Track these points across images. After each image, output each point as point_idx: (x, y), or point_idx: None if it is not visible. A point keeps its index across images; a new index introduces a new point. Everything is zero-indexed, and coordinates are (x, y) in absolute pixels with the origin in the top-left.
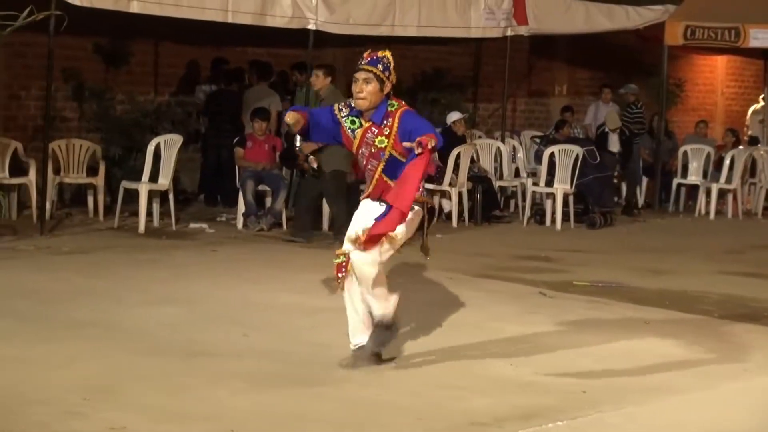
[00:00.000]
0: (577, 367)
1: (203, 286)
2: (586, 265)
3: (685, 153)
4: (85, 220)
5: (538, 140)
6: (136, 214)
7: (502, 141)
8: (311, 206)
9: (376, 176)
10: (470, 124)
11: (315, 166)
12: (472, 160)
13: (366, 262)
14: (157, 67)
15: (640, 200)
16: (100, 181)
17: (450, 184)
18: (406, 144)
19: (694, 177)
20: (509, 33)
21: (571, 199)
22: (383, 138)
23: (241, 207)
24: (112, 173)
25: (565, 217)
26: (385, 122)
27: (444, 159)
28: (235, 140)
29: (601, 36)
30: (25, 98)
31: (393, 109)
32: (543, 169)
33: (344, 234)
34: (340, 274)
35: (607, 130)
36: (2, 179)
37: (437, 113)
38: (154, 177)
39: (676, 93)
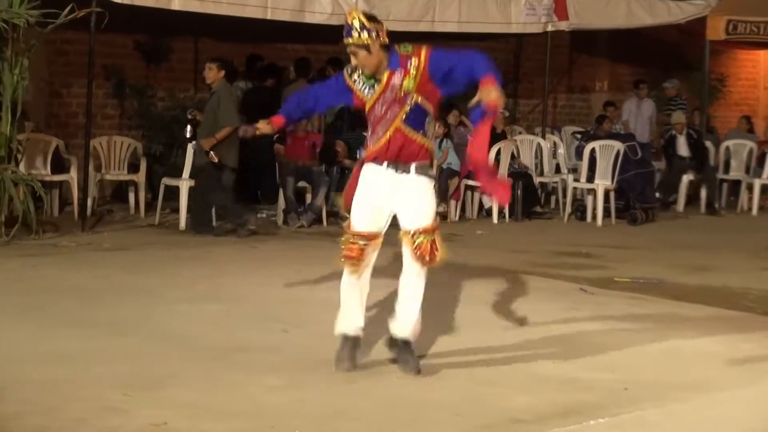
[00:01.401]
0: (619, 364)
1: (243, 283)
2: (628, 261)
3: (727, 148)
4: (126, 216)
5: (578, 136)
6: (176, 210)
7: (543, 137)
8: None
9: (395, 125)
10: (510, 120)
11: (216, 160)
12: (513, 156)
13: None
14: (197, 63)
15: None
16: (141, 177)
17: None
18: (473, 102)
19: (736, 172)
20: (550, 28)
21: (612, 194)
22: (410, 79)
23: (282, 204)
24: (152, 170)
25: (606, 213)
26: (410, 64)
27: None
28: (275, 137)
29: (642, 31)
30: (67, 95)
31: (408, 51)
32: (584, 165)
33: (238, 216)
34: (353, 256)
35: (674, 133)
36: (44, 176)
37: None
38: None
39: (718, 88)
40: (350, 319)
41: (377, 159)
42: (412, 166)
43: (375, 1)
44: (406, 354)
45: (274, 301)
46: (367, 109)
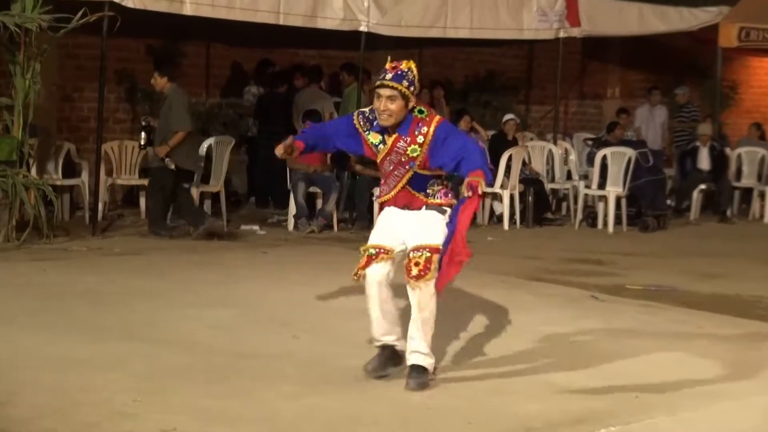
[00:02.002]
0: (630, 371)
1: (254, 288)
2: (639, 268)
3: (739, 156)
4: (136, 221)
5: (590, 142)
6: None
7: (554, 143)
8: (167, 201)
9: (401, 185)
10: (522, 127)
11: (173, 166)
12: (524, 163)
13: (430, 293)
14: (208, 68)
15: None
16: None
17: (501, 187)
18: (463, 189)
19: (748, 180)
20: (562, 35)
21: (623, 201)
22: (416, 147)
23: (292, 209)
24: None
25: (618, 220)
26: (418, 131)
27: (496, 161)
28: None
29: (655, 38)
30: (78, 100)
31: (423, 116)
32: (595, 172)
33: (157, 227)
34: (362, 266)
35: (697, 144)
36: (55, 180)
37: (489, 115)
38: (205, 178)
39: (730, 95)
40: (374, 329)
41: (393, 205)
42: (424, 207)
43: (387, 6)
44: (415, 375)
45: (285, 306)
46: (378, 160)
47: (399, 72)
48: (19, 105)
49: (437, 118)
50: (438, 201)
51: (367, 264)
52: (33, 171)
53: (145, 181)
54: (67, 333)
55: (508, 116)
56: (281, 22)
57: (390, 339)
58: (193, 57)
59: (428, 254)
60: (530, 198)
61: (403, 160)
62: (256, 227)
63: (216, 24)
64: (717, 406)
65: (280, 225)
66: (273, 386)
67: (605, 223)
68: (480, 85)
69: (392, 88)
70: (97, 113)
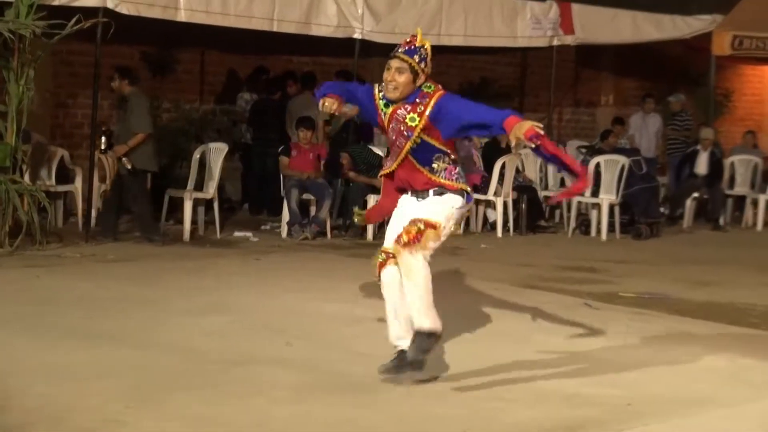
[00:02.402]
0: (623, 379)
1: (247, 295)
2: (632, 276)
3: (732, 164)
4: (130, 228)
5: (583, 150)
6: (181, 222)
7: None
8: (119, 205)
9: (401, 156)
10: None
11: (129, 166)
12: (517, 170)
13: (413, 251)
14: (202, 75)
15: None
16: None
17: (495, 194)
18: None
19: (741, 188)
20: (556, 43)
21: (616, 209)
22: (415, 116)
23: (286, 216)
24: (157, 181)
25: (611, 227)
26: (420, 101)
27: (489, 168)
28: (280, 149)
29: (648, 46)
30: (72, 106)
31: (429, 90)
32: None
33: (152, 232)
34: (378, 271)
35: (698, 148)
36: (49, 187)
37: None
38: (199, 185)
39: (724, 103)
40: (389, 333)
41: (395, 184)
42: (431, 191)
43: (381, 14)
44: (414, 342)
45: (278, 313)
46: (386, 131)
47: (412, 47)
48: (12, 111)
49: (441, 91)
50: (442, 179)
51: (379, 270)
52: (26, 177)
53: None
54: (60, 339)
55: None
56: (275, 29)
57: (404, 344)
58: (188, 63)
59: (422, 227)
60: (523, 205)
61: (401, 128)
62: (249, 234)
63: (210, 31)
64: (709, 413)
65: (273, 232)
66: (266, 393)
67: (598, 231)
68: (474, 93)
69: (402, 60)
70: (91, 120)
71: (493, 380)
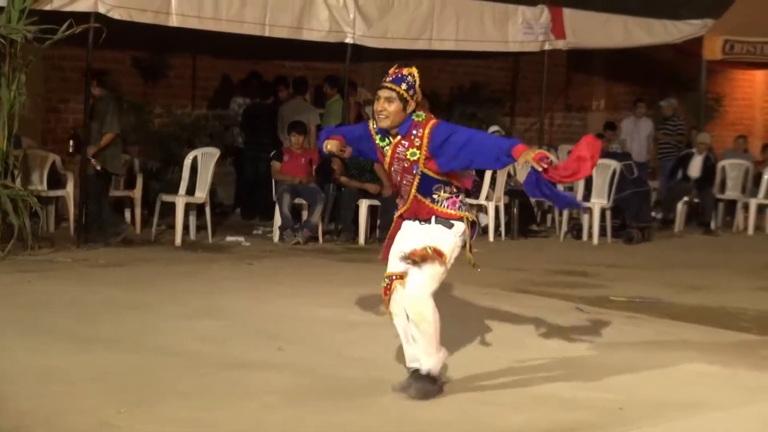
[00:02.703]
0: (614, 383)
1: (239, 300)
2: (624, 280)
3: (723, 168)
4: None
5: None
6: (172, 227)
7: None
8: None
9: (412, 193)
10: None
11: (98, 167)
12: (509, 175)
13: (423, 300)
14: (194, 80)
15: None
16: (137, 193)
17: (487, 198)
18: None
19: (732, 192)
20: (547, 47)
21: (608, 213)
22: (415, 150)
23: (278, 220)
24: (149, 186)
25: (602, 231)
26: (415, 133)
27: (481, 173)
28: (271, 154)
29: (640, 50)
30: (64, 111)
31: (420, 119)
32: (580, 184)
33: (108, 234)
34: (385, 297)
35: (693, 151)
36: (40, 192)
37: (474, 127)
38: (191, 190)
39: (715, 108)
40: (406, 354)
41: (405, 217)
42: (433, 218)
43: (373, 19)
44: (417, 385)
45: (271, 318)
46: (386, 166)
47: (399, 75)
48: (4, 116)
49: (433, 120)
50: (444, 210)
51: (385, 294)
52: (18, 182)
53: (130, 192)
54: (53, 343)
55: (493, 128)
56: (267, 34)
57: (417, 365)
58: (179, 69)
59: (430, 252)
60: (515, 210)
61: (406, 165)
62: (241, 239)
63: (202, 36)
64: (701, 417)
65: (265, 236)
66: (258, 397)
67: (590, 235)
68: (465, 97)
69: (390, 89)
70: (83, 125)
71: (486, 384)
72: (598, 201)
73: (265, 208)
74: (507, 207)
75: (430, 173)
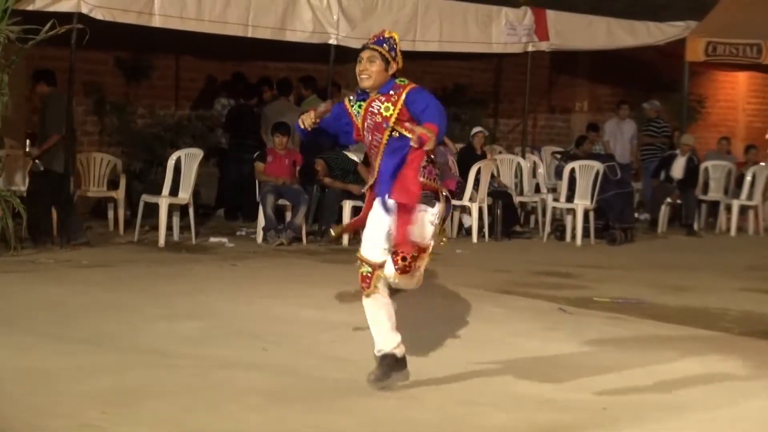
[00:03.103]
0: (598, 384)
1: (223, 301)
2: (607, 281)
3: (706, 169)
4: (105, 233)
5: (558, 156)
6: (156, 227)
7: (523, 156)
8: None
9: (380, 155)
10: (490, 140)
11: (41, 168)
12: (493, 176)
13: (411, 283)
14: (178, 81)
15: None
16: (120, 194)
17: (470, 199)
18: (407, 125)
19: (714, 193)
20: (530, 49)
21: (591, 214)
22: (389, 105)
23: (261, 221)
24: (132, 187)
25: (586, 233)
26: (394, 92)
27: (464, 174)
28: (255, 155)
29: (623, 52)
30: None
31: (402, 83)
32: (563, 185)
33: (38, 235)
34: (365, 285)
35: (676, 152)
36: (23, 192)
37: (458, 129)
38: (174, 191)
39: (697, 109)
40: (382, 338)
41: (372, 191)
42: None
43: (357, 20)
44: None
45: (254, 318)
46: (359, 127)
47: (381, 38)
48: None
49: (412, 84)
50: (421, 178)
51: (364, 282)
52: (0, 182)
53: (113, 193)
54: (34, 345)
55: (477, 129)
56: (250, 35)
57: (389, 347)
58: (163, 69)
59: (415, 254)
60: (499, 211)
61: (378, 120)
62: (224, 240)
63: (185, 37)
64: (685, 418)
65: (248, 237)
66: (241, 398)
67: (573, 236)
68: (449, 99)
69: (372, 50)
70: (66, 125)
71: (468, 385)
72: (582, 202)
73: (248, 209)
74: (490, 208)
75: (402, 131)
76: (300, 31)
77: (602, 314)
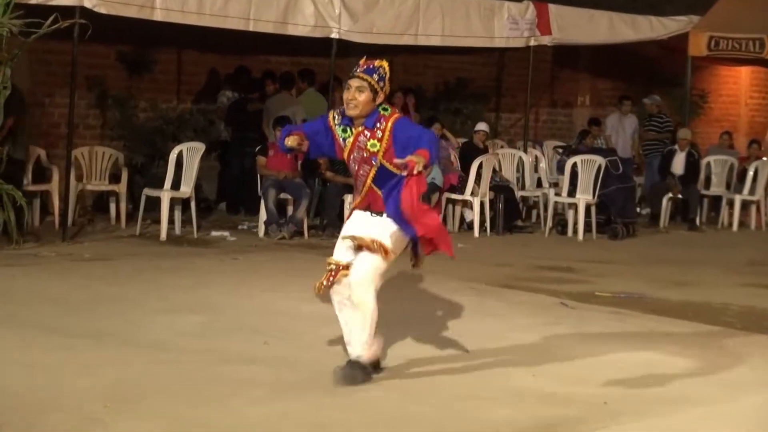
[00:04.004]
0: (599, 378)
1: (224, 294)
2: (608, 276)
3: (708, 164)
4: (107, 227)
5: (560, 150)
6: (157, 221)
7: (525, 151)
8: None
9: (367, 184)
10: (492, 135)
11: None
12: (494, 170)
13: (366, 286)
14: (180, 75)
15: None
16: (122, 188)
17: (472, 194)
18: (397, 161)
19: (717, 188)
20: (532, 43)
21: (593, 209)
22: (375, 141)
23: (263, 215)
24: (134, 180)
25: (587, 227)
26: (377, 125)
27: (466, 169)
28: (257, 149)
29: (625, 46)
30: (49, 105)
31: (386, 113)
32: (565, 180)
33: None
34: (325, 282)
35: (675, 148)
36: (25, 186)
37: (459, 123)
38: (176, 184)
39: (700, 104)
40: (347, 342)
41: (359, 208)
42: (384, 213)
43: (359, 14)
44: (345, 370)
45: (255, 312)
46: (345, 156)
47: (371, 66)
48: None
49: (396, 114)
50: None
51: (327, 279)
52: None
53: (115, 187)
54: (36, 338)
55: (480, 126)
56: (251, 29)
57: (364, 354)
58: (165, 63)
59: (376, 246)
60: (500, 205)
61: (365, 155)
62: (226, 233)
63: (188, 30)
64: (685, 412)
65: (250, 231)
66: (243, 392)
67: (575, 231)
68: (450, 93)
69: (362, 79)
70: (68, 119)
71: (469, 379)
72: (584, 197)
73: (250, 203)
74: (492, 202)
75: (389, 166)
76: (302, 25)
77: (604, 309)
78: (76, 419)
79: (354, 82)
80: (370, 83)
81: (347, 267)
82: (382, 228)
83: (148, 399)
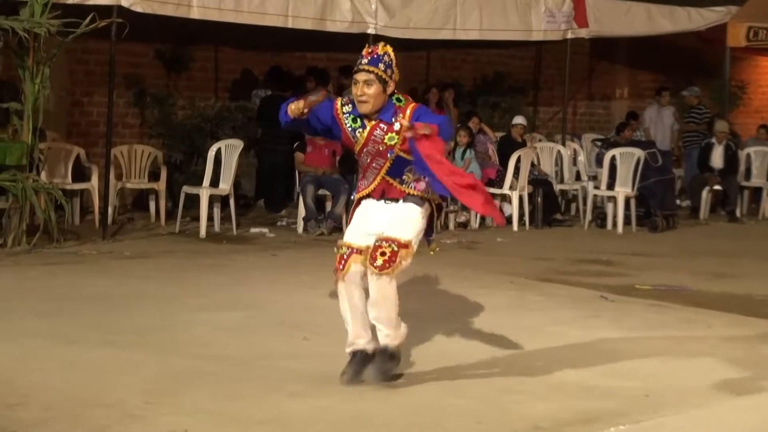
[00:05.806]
0: (640, 371)
1: (264, 291)
2: (648, 268)
3: (748, 155)
4: (146, 225)
5: (599, 143)
6: (197, 218)
7: (563, 144)
8: None
9: (380, 176)
10: (530, 128)
11: None
12: (533, 164)
13: (392, 289)
14: (217, 72)
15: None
16: (161, 186)
17: (510, 188)
18: (402, 121)
19: (757, 180)
20: (570, 36)
21: (632, 202)
22: (393, 134)
23: (302, 211)
24: (173, 178)
25: (627, 220)
26: (395, 119)
27: (504, 163)
28: (295, 145)
29: (662, 38)
30: (88, 104)
31: (401, 104)
32: (604, 172)
33: None
34: (339, 267)
35: (713, 141)
36: (65, 185)
37: (497, 117)
38: (214, 182)
39: (739, 95)
40: (351, 334)
41: (372, 197)
42: (401, 200)
43: (396, 9)
44: (377, 363)
45: (294, 308)
46: (355, 152)
47: (375, 56)
48: (28, 110)
49: (413, 104)
50: (412, 190)
51: (339, 263)
52: (43, 175)
53: (154, 185)
54: (77, 336)
55: (517, 120)
56: (290, 25)
57: (361, 342)
58: (202, 61)
59: (395, 248)
60: (539, 199)
61: (381, 149)
62: (265, 230)
63: (224, 28)
64: (726, 403)
65: (289, 227)
66: (283, 387)
67: (614, 224)
68: (488, 87)
69: (368, 71)
70: (107, 118)
71: (508, 373)
72: (623, 189)
73: (282, 199)
74: (531, 196)
75: (405, 155)
76: (339, 21)
77: (644, 302)
78: (118, 415)
79: (360, 76)
80: (377, 74)
81: (361, 252)
82: (402, 214)
83: (188, 394)
